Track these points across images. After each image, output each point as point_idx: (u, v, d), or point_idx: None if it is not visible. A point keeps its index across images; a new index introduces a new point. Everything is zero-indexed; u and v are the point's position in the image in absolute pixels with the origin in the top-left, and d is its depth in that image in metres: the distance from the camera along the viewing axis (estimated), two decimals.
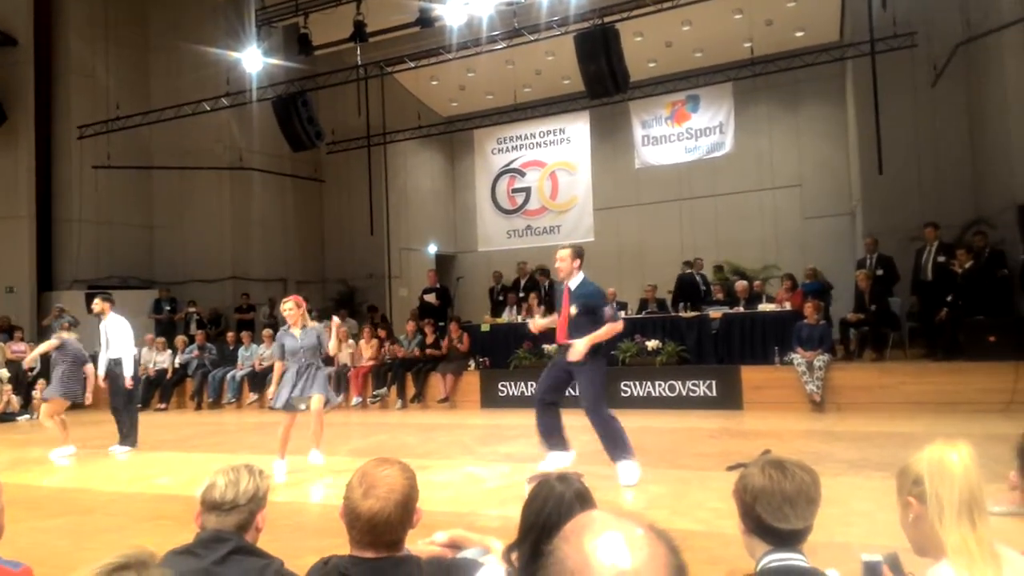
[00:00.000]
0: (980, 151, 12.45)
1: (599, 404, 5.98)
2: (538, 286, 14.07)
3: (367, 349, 12.89)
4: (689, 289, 13.55)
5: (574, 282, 6.11)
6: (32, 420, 12.96)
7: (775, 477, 1.77)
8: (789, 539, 1.78)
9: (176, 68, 17.04)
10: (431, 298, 14.85)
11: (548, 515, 1.92)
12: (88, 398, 8.91)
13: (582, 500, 1.98)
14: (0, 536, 2.11)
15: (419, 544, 2.39)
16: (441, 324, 13.26)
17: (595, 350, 5.95)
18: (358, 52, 13.83)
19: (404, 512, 1.92)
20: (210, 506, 2.13)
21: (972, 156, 12.70)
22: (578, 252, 6.18)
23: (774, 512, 1.74)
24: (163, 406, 13.76)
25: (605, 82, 12.00)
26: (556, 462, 6.04)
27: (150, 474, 7.40)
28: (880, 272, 11.27)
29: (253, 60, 14.10)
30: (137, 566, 1.15)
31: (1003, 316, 9.72)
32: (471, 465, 7.10)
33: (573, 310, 6.01)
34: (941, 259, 10.46)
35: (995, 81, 11.45)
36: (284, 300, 7.29)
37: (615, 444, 5.97)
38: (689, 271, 14.02)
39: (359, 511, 1.88)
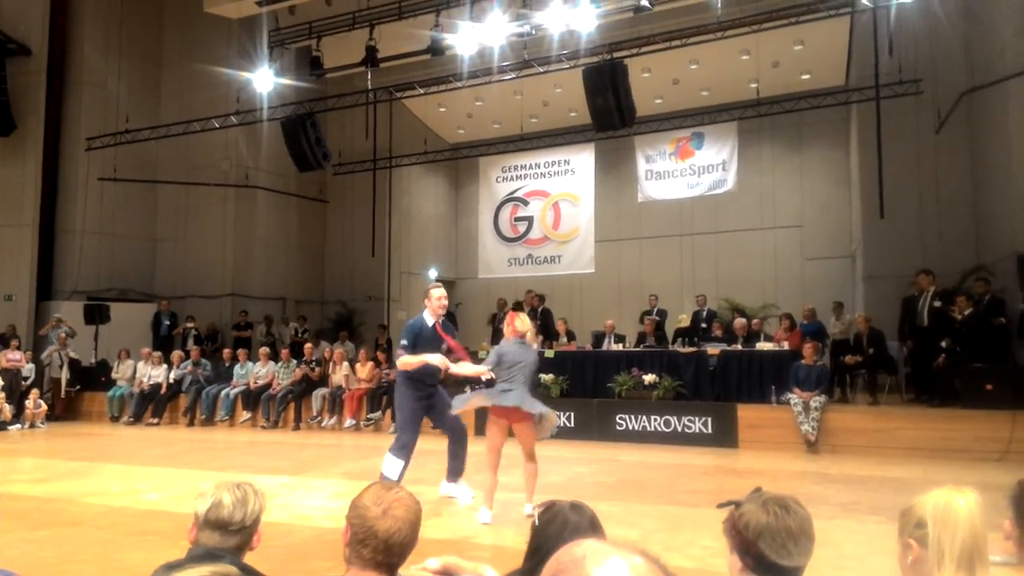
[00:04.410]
0: (982, 198, 12.51)
1: (399, 430, 6.62)
2: (536, 313, 14.04)
3: (362, 371, 12.85)
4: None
5: None
6: (23, 430, 12.89)
7: (779, 514, 1.76)
8: None
9: (187, 85, 17.19)
10: None
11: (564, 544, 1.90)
12: None
13: (595, 530, 1.96)
14: None
15: (412, 570, 2.37)
16: None
17: (405, 378, 6.49)
18: (368, 76, 13.96)
19: (415, 535, 1.95)
20: (215, 524, 2.08)
21: (974, 203, 12.76)
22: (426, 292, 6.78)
23: (778, 549, 1.72)
24: (155, 421, 13.70)
25: (612, 116, 12.11)
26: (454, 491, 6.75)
27: (139, 488, 7.34)
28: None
29: (264, 80, 14.23)
30: None
31: (1001, 364, 9.71)
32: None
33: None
34: (937, 304, 10.45)
35: (999, 130, 11.55)
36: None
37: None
38: (656, 306, 14.16)
39: (376, 530, 1.89)
